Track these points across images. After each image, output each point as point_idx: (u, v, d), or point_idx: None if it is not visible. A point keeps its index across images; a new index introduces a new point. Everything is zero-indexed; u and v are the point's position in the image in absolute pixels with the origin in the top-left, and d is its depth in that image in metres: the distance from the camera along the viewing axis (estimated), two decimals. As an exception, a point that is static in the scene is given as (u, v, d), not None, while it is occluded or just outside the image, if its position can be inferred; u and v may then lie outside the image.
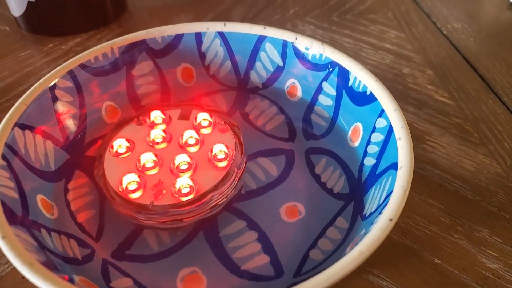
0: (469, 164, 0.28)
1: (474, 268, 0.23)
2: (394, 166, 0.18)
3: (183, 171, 0.21)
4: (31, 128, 0.20)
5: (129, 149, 0.22)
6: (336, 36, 0.41)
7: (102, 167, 0.22)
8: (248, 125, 0.27)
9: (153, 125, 0.24)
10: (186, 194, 0.21)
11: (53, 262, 0.16)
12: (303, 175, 0.24)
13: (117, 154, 0.22)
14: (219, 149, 0.23)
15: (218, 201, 0.21)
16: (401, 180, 0.17)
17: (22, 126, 0.20)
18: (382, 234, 0.15)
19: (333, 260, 0.18)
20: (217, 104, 0.27)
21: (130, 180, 0.21)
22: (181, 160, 0.22)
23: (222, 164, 0.22)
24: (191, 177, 0.21)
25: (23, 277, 0.22)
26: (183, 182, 0.21)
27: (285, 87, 0.26)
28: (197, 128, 0.24)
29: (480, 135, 0.30)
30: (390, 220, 0.15)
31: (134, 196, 0.20)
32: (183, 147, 0.23)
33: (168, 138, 0.23)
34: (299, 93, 0.26)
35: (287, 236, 0.22)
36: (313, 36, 0.41)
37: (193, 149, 0.23)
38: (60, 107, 0.22)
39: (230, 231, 0.22)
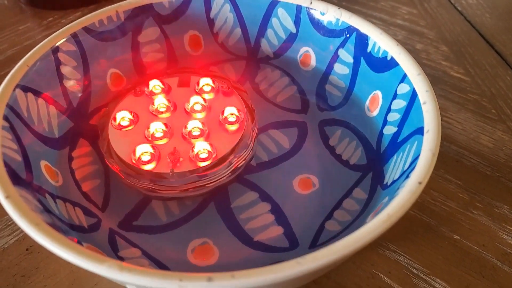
0: (487, 140, 0.27)
1: (494, 244, 0.22)
2: (419, 131, 0.17)
3: (196, 137, 0.21)
4: (34, 92, 0.19)
5: (132, 121, 0.21)
6: (346, 12, 0.39)
7: (106, 142, 0.20)
8: (259, 96, 0.26)
9: (151, 94, 0.23)
10: (205, 159, 0.20)
11: (59, 225, 0.15)
12: (316, 147, 0.23)
13: (121, 126, 0.21)
14: (230, 112, 0.22)
15: (238, 163, 0.20)
16: (429, 144, 0.16)
17: (24, 88, 0.19)
18: (412, 197, 0.14)
19: (352, 230, 0.18)
20: (226, 74, 0.26)
21: (142, 151, 0.20)
22: (193, 126, 0.21)
23: (233, 127, 0.21)
24: (208, 142, 0.20)
25: (27, 249, 0.21)
26: (201, 147, 0.20)
27: (298, 56, 0.25)
28: (199, 94, 0.23)
29: (498, 111, 0.29)
30: (420, 183, 0.14)
31: (148, 166, 0.19)
32: (189, 114, 0.22)
33: (172, 106, 0.22)
34: (313, 62, 0.25)
35: (301, 208, 0.21)
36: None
37: (200, 115, 0.22)
38: (64, 71, 0.21)
39: (241, 203, 0.21)
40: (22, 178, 0.16)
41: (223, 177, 0.20)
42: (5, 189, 0.14)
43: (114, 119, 0.21)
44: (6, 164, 0.15)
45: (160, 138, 0.20)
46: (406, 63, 0.19)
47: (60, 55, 0.21)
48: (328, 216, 0.20)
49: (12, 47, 0.35)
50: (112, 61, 0.24)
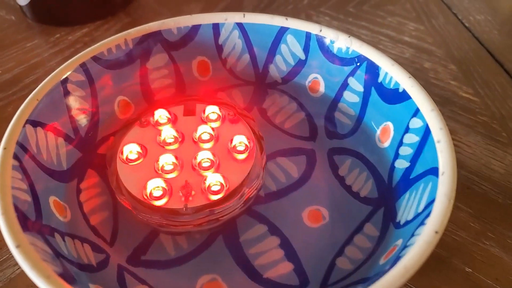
0: (498, 166, 0.27)
1: (508, 278, 0.22)
2: (433, 171, 0.17)
3: (206, 168, 0.20)
4: (43, 125, 0.19)
5: (140, 154, 0.21)
6: (352, 28, 0.39)
7: (115, 177, 0.20)
8: (266, 122, 0.26)
9: (157, 124, 0.22)
10: (217, 192, 0.19)
11: (69, 271, 0.15)
12: (326, 177, 0.23)
13: (129, 160, 0.21)
14: (239, 141, 0.22)
15: (250, 194, 0.20)
16: (445, 188, 0.15)
17: (34, 123, 0.19)
18: (428, 248, 0.13)
19: (365, 270, 0.17)
20: (233, 99, 0.26)
21: (154, 186, 0.19)
22: (203, 157, 0.21)
23: (243, 156, 0.21)
24: (220, 174, 0.20)
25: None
26: (213, 180, 0.20)
27: (307, 82, 0.25)
28: (206, 123, 0.23)
29: (509, 134, 0.29)
30: (436, 232, 0.14)
31: (160, 202, 0.19)
32: (197, 144, 0.22)
33: (180, 136, 0.22)
34: (321, 89, 0.24)
35: (311, 242, 0.20)
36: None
37: (208, 145, 0.22)
38: (72, 102, 0.21)
39: (250, 236, 0.21)
40: (32, 221, 0.16)
41: (235, 209, 0.20)
42: (15, 238, 0.14)
43: (122, 152, 0.21)
44: (17, 208, 0.15)
45: (171, 171, 0.20)
46: (419, 97, 0.19)
47: (69, 86, 0.21)
48: (338, 252, 0.20)
49: (19, 65, 0.34)
50: (120, 88, 0.23)
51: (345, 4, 0.43)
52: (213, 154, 0.21)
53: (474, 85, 0.33)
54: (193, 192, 0.19)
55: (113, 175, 0.20)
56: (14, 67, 0.34)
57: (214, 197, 0.19)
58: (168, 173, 0.20)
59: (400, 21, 0.41)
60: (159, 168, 0.20)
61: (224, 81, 0.26)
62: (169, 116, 0.23)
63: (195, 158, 0.21)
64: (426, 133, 0.18)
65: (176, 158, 0.21)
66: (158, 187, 0.19)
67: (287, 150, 0.24)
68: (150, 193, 0.19)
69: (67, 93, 0.21)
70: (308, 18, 0.40)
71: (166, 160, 0.20)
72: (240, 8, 0.42)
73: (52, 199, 0.18)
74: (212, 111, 0.23)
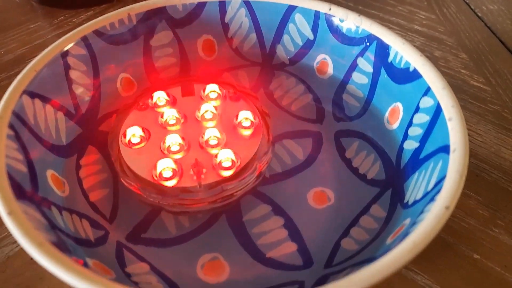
0: (508, 154, 0.26)
1: (517, 265, 0.21)
2: (444, 149, 0.16)
3: (215, 146, 0.20)
4: (42, 97, 0.19)
5: (143, 138, 0.20)
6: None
7: (119, 162, 0.20)
8: (273, 104, 0.25)
9: (156, 107, 0.22)
10: (229, 168, 0.19)
11: (64, 243, 0.14)
12: (332, 160, 0.22)
13: (132, 144, 0.20)
14: (244, 117, 0.21)
15: (261, 168, 0.20)
16: (456, 164, 0.15)
17: (32, 94, 0.18)
18: (439, 223, 0.13)
19: (371, 251, 0.17)
20: (239, 80, 0.25)
21: (164, 167, 0.19)
22: (210, 134, 0.20)
23: (248, 131, 0.21)
24: (231, 149, 0.20)
25: (31, 258, 0.21)
26: (224, 156, 0.19)
27: (315, 64, 0.24)
28: (207, 101, 0.22)
29: (521, 123, 0.28)
30: (447, 208, 0.13)
31: (171, 182, 0.19)
32: (201, 123, 0.21)
33: (183, 117, 0.21)
34: (330, 70, 0.24)
35: (316, 223, 0.20)
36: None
37: (211, 123, 0.21)
38: (73, 76, 0.20)
39: (254, 216, 0.20)
40: (27, 191, 0.15)
41: (248, 183, 0.20)
42: (7, 205, 0.13)
43: (124, 136, 0.20)
44: (10, 177, 0.15)
45: (178, 151, 0.20)
46: (431, 76, 0.18)
47: (69, 59, 0.20)
48: (344, 233, 0.19)
49: (22, 46, 0.34)
50: (123, 65, 0.23)
51: (354, -9, 0.42)
52: (220, 132, 0.20)
53: (485, 73, 0.32)
54: (204, 170, 0.19)
55: (116, 159, 0.20)
56: (16, 48, 0.34)
57: (226, 173, 0.19)
58: (175, 154, 0.20)
59: (411, 10, 0.40)
60: (166, 149, 0.20)
61: (229, 61, 0.25)
62: (167, 98, 0.22)
63: (202, 136, 0.20)
64: (437, 111, 0.18)
65: (182, 138, 0.20)
66: (167, 167, 0.19)
67: (293, 132, 0.24)
68: (160, 174, 0.19)
69: (67, 67, 0.20)
70: (317, 5, 0.40)
71: (172, 141, 0.20)
72: None
73: (50, 172, 0.18)
74: (211, 89, 0.22)
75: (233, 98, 0.22)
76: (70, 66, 0.20)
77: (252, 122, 0.21)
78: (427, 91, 0.18)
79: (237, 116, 0.21)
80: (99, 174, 0.21)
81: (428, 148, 0.18)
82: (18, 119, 0.17)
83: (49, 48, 0.19)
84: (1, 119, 0.16)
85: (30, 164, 0.16)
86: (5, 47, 0.34)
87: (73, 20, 0.37)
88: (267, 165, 0.21)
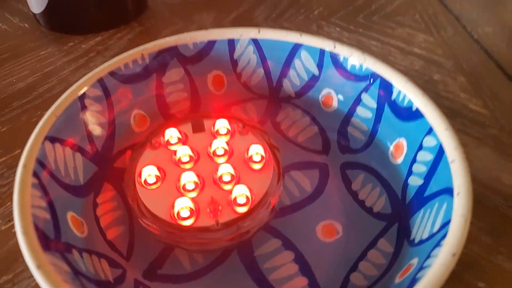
0: (509, 180, 0.27)
1: (522, 294, 0.22)
2: (448, 191, 0.17)
3: (228, 182, 0.20)
4: (61, 141, 0.19)
5: (158, 177, 0.21)
6: (363, 39, 0.39)
7: (136, 202, 0.20)
8: (280, 135, 0.26)
9: (168, 144, 0.22)
10: (244, 204, 0.20)
11: (86, 286, 0.15)
12: (339, 192, 0.23)
13: (148, 184, 0.20)
14: (255, 151, 0.22)
15: (275, 202, 0.20)
16: (461, 209, 0.15)
17: (52, 139, 0.19)
18: (446, 271, 0.14)
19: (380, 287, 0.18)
20: (247, 113, 0.26)
21: (181, 206, 0.19)
22: (223, 171, 0.21)
23: (259, 165, 0.21)
24: (245, 185, 0.20)
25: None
26: (239, 192, 0.20)
27: (320, 97, 0.25)
28: (216, 137, 0.23)
29: (519, 149, 0.29)
30: (453, 255, 0.14)
31: (188, 222, 0.19)
32: (213, 159, 0.22)
33: (196, 154, 0.22)
34: (334, 104, 0.25)
35: (325, 257, 0.21)
36: (339, 39, 0.39)
37: (222, 159, 0.22)
38: (89, 116, 0.21)
39: (265, 251, 0.21)
40: (51, 240, 0.16)
41: (263, 219, 0.20)
42: (36, 258, 0.14)
43: (140, 175, 0.21)
44: (36, 227, 0.15)
45: (193, 190, 0.20)
46: (433, 116, 0.19)
47: (86, 101, 0.21)
48: (353, 267, 0.20)
49: (33, 74, 0.35)
50: (136, 101, 0.24)
51: (355, 14, 0.43)
52: (232, 167, 0.21)
53: (483, 97, 0.33)
54: (220, 207, 0.20)
55: (134, 200, 0.20)
56: (28, 76, 0.35)
57: (241, 209, 0.20)
58: (191, 192, 0.20)
59: (410, 33, 0.41)
60: (181, 188, 0.20)
61: (238, 94, 0.26)
62: (179, 135, 0.23)
63: (216, 172, 0.21)
64: (440, 152, 0.18)
65: (197, 175, 0.21)
66: (185, 207, 0.19)
67: (301, 164, 0.25)
68: (178, 214, 0.19)
69: (84, 108, 0.21)
70: (319, 28, 0.41)
71: (187, 179, 0.20)
72: (251, 18, 0.42)
73: (70, 215, 0.19)
74: (221, 125, 0.23)
75: (242, 132, 0.23)
76: (87, 107, 0.21)
77: (262, 156, 0.22)
78: (430, 131, 0.19)
79: (247, 151, 0.22)
80: (115, 211, 0.21)
81: (433, 187, 0.18)
82: (41, 165, 0.18)
83: (67, 92, 0.20)
84: (25, 168, 0.17)
85: (52, 210, 0.17)
86: (16, 74, 0.35)
87: (82, 46, 0.38)
88: (279, 199, 0.21)
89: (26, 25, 0.41)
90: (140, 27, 0.40)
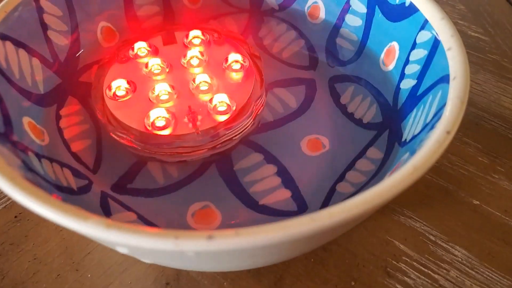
0: (508, 102, 0.25)
1: (517, 208, 0.20)
2: (444, 79, 0.15)
3: (206, 91, 0.19)
4: (14, 41, 0.17)
5: (129, 90, 0.19)
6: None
7: (106, 115, 0.18)
8: (263, 52, 0.24)
9: (137, 58, 0.21)
10: (225, 112, 0.18)
11: (42, 184, 0.14)
12: (326, 106, 0.21)
13: (118, 97, 0.19)
14: (234, 59, 0.20)
15: (258, 110, 0.19)
16: (457, 91, 0.14)
17: (2, 36, 0.17)
18: (440, 147, 0.12)
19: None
20: (226, 28, 0.24)
21: (156, 116, 0.18)
22: (200, 80, 0.19)
23: (239, 74, 0.20)
24: (225, 93, 0.19)
25: (16, 216, 0.20)
26: (218, 100, 0.18)
27: (306, 8, 0.23)
28: (190, 48, 0.21)
29: (521, 71, 0.27)
30: (448, 132, 0.12)
31: (166, 132, 0.18)
32: (187, 69, 0.20)
33: (168, 66, 0.20)
34: (322, 14, 0.23)
35: (310, 170, 0.19)
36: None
37: (198, 69, 0.20)
38: (48, 21, 0.19)
39: (245, 165, 0.19)
40: (1, 132, 0.14)
41: (247, 127, 0.19)
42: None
43: (109, 89, 0.19)
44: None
45: (168, 100, 0.19)
46: (428, 8, 0.17)
47: (43, 2, 0.19)
48: (339, 178, 0.18)
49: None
50: (103, 14, 0.22)
51: None
52: (210, 77, 0.19)
53: (483, 24, 0.31)
54: (199, 117, 0.18)
55: (103, 114, 0.18)
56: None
57: (222, 118, 0.18)
58: (166, 102, 0.19)
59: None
60: (155, 98, 0.19)
61: (216, 8, 0.24)
62: (148, 48, 0.21)
63: (192, 82, 0.19)
64: (435, 44, 0.17)
65: (171, 86, 0.19)
66: (160, 117, 0.18)
67: (285, 80, 0.23)
68: (153, 124, 0.18)
69: (41, 11, 0.19)
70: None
71: (161, 89, 0.19)
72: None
73: (26, 120, 0.17)
74: (194, 35, 0.21)
75: (219, 42, 0.21)
76: (44, 10, 0.19)
77: (242, 64, 0.20)
78: (424, 24, 0.17)
79: (226, 60, 0.20)
80: (81, 125, 0.20)
81: (426, 83, 0.17)
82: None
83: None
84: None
85: (3, 108, 0.15)
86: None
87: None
88: (262, 108, 0.20)
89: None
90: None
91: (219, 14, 0.24)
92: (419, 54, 0.18)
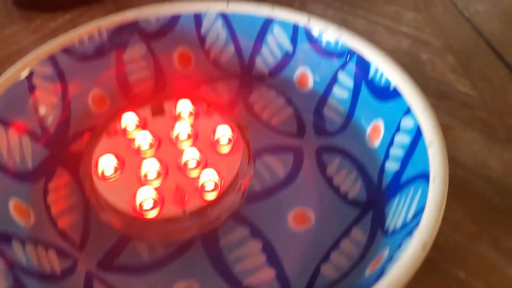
0: (496, 164, 0.26)
1: (505, 285, 0.20)
2: (424, 176, 0.15)
3: (194, 168, 0.19)
4: (3, 122, 0.18)
5: (117, 168, 0.19)
6: (348, 17, 0.38)
7: (95, 195, 0.18)
8: (253, 118, 0.24)
9: (125, 131, 0.21)
10: (213, 189, 0.18)
11: (22, 284, 0.14)
12: (313, 177, 0.22)
13: (106, 177, 0.19)
14: (222, 133, 0.20)
15: (245, 185, 0.19)
16: (435, 196, 0.14)
17: (-8, 120, 0.17)
18: (414, 265, 0.12)
19: (350, 280, 0.16)
20: (218, 93, 0.24)
21: (144, 197, 0.18)
22: (188, 156, 0.19)
23: (227, 148, 0.20)
24: (213, 169, 0.19)
25: None
26: (206, 178, 0.18)
27: (295, 76, 0.23)
28: (179, 120, 0.21)
29: (507, 131, 0.28)
30: (423, 248, 0.13)
31: (153, 213, 0.18)
32: (176, 144, 0.20)
33: (156, 140, 0.20)
34: (310, 83, 0.23)
35: (295, 246, 0.19)
36: (323, 17, 0.37)
37: (187, 143, 0.20)
38: (38, 95, 0.19)
39: (231, 240, 0.19)
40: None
41: (235, 203, 0.19)
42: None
43: (96, 167, 0.19)
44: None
45: (156, 178, 0.19)
46: (411, 95, 0.18)
47: (35, 79, 0.19)
48: (324, 257, 0.18)
49: (-4, 53, 0.33)
50: (94, 81, 0.22)
51: (340, -9, 0.41)
52: (198, 152, 0.20)
53: (472, 78, 0.32)
54: (186, 195, 0.18)
55: (91, 193, 0.18)
56: (-10, 56, 0.33)
57: (210, 196, 0.18)
58: (153, 181, 0.19)
59: (398, 10, 0.39)
60: (142, 177, 0.19)
61: (207, 73, 0.24)
62: (137, 120, 0.21)
63: (180, 158, 0.19)
64: (417, 134, 0.17)
65: (159, 162, 0.19)
66: (148, 197, 0.18)
67: (274, 148, 0.23)
68: (140, 205, 0.18)
69: (32, 87, 0.19)
70: (302, 5, 0.39)
71: (149, 167, 0.19)
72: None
73: (13, 202, 0.17)
74: (183, 107, 0.21)
75: (207, 113, 0.21)
76: (35, 86, 0.19)
77: (230, 138, 0.20)
78: (408, 111, 0.18)
79: (214, 133, 0.20)
80: (68, 197, 0.20)
81: (409, 172, 0.17)
82: (-24, 150, 0.16)
83: (11, 69, 0.18)
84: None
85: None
86: (-22, 55, 0.33)
87: (49, 24, 0.36)
88: (250, 181, 0.20)
89: (-6, 1, 0.38)
90: (113, 4, 0.38)
91: (210, 79, 0.24)
92: (403, 139, 0.18)
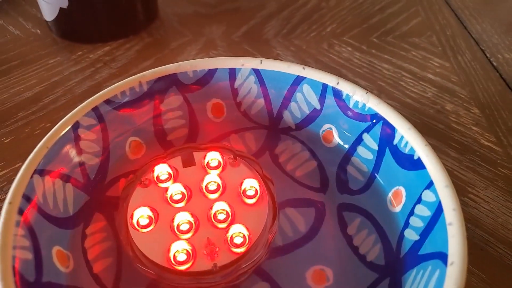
0: (517, 227, 0.26)
1: None
2: (442, 256, 0.16)
3: (223, 220, 0.20)
4: (51, 173, 0.19)
5: (151, 218, 0.20)
6: (374, 61, 0.38)
7: (130, 246, 0.20)
8: (277, 168, 0.25)
9: (158, 182, 0.22)
10: (241, 244, 0.19)
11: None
12: (333, 234, 0.22)
13: (141, 226, 0.20)
14: (249, 185, 0.21)
15: (271, 238, 0.20)
16: (452, 280, 0.15)
17: (42, 172, 0.19)
18: None
19: None
20: (246, 142, 0.26)
21: (177, 250, 0.19)
22: (217, 208, 0.20)
23: (253, 200, 0.21)
24: (241, 224, 0.20)
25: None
26: (235, 231, 0.19)
27: (321, 131, 0.24)
28: (208, 171, 0.22)
29: (531, 192, 0.28)
30: None
31: (186, 266, 0.18)
32: (207, 196, 0.21)
33: (188, 190, 0.21)
34: (335, 140, 0.24)
35: (313, 306, 0.20)
36: (350, 59, 0.38)
37: (215, 195, 0.21)
38: (82, 146, 0.21)
39: (252, 295, 0.20)
40: (31, 282, 0.16)
41: (262, 257, 0.20)
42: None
43: (132, 218, 0.20)
44: (15, 271, 0.15)
45: (188, 231, 0.20)
46: (434, 169, 0.18)
47: (80, 130, 0.21)
48: (340, 321, 0.19)
49: (40, 83, 0.35)
50: (132, 129, 0.23)
51: (369, 34, 0.42)
52: (228, 204, 0.21)
53: (497, 132, 0.32)
54: (217, 249, 0.19)
55: (127, 244, 0.20)
56: (35, 85, 0.35)
57: (239, 250, 0.19)
58: (185, 233, 0.20)
59: (425, 56, 0.39)
60: (176, 229, 0.20)
61: (237, 123, 0.25)
62: (169, 170, 0.22)
63: (210, 210, 0.20)
64: (438, 210, 0.17)
65: (191, 214, 0.20)
66: (181, 250, 0.19)
67: (297, 200, 0.24)
68: (174, 258, 0.19)
69: (77, 138, 0.21)
70: (330, 47, 0.40)
71: (181, 219, 0.20)
72: (261, 34, 0.41)
73: (55, 249, 0.18)
74: (212, 158, 0.23)
75: (234, 164, 0.22)
76: (80, 137, 0.21)
77: (256, 190, 0.21)
78: (430, 185, 0.18)
79: (241, 185, 0.21)
80: (104, 242, 0.21)
81: (428, 247, 0.18)
82: (27, 201, 0.17)
83: (60, 122, 0.20)
84: (12, 206, 0.16)
85: (36, 249, 0.17)
86: (24, 83, 0.35)
87: (90, 56, 0.38)
88: (276, 234, 0.21)
89: (38, 31, 0.41)
90: (149, 38, 0.40)
91: (240, 129, 0.26)
92: (423, 211, 0.19)
